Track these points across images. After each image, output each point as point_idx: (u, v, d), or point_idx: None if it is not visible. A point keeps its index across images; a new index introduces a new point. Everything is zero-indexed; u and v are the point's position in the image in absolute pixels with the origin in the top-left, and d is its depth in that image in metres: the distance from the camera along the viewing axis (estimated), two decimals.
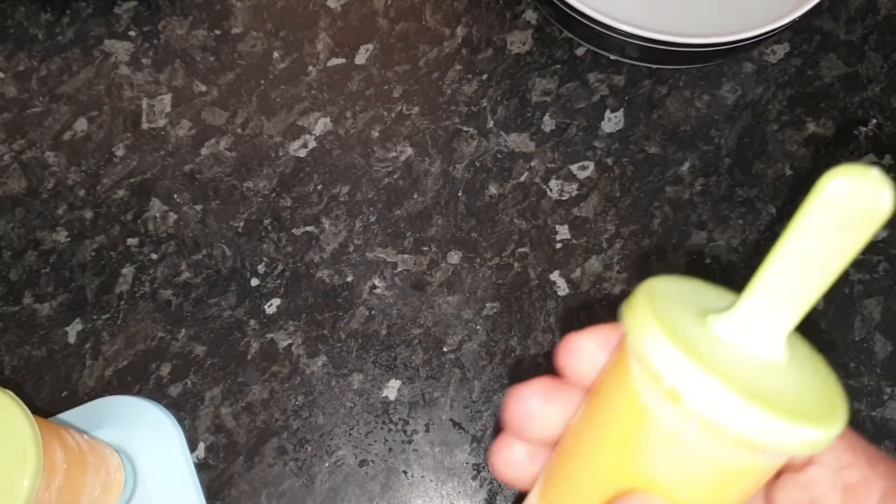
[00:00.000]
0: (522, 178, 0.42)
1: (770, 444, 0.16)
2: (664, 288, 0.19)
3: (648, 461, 0.18)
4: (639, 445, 0.18)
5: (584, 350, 0.22)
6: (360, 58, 0.44)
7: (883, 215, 0.16)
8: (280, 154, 0.43)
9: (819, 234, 0.17)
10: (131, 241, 0.41)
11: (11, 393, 0.28)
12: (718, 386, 0.16)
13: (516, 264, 0.41)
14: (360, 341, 0.40)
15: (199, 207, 0.42)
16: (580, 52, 0.44)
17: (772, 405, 0.16)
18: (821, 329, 0.40)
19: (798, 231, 0.17)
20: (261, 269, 0.41)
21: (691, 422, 0.17)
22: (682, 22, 0.42)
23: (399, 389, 0.39)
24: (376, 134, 0.43)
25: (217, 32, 0.45)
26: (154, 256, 0.41)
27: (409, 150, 0.43)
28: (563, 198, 0.42)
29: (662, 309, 0.18)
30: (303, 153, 0.43)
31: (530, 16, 0.45)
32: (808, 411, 0.17)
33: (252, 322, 0.40)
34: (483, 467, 0.38)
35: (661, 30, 0.39)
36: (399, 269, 0.41)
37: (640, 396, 0.18)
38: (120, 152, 0.43)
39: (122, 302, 0.41)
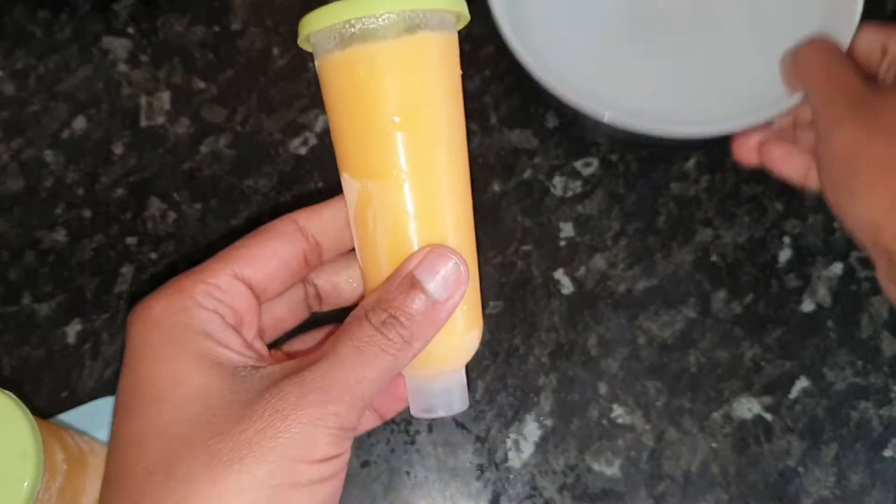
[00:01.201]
0: (526, 175, 0.42)
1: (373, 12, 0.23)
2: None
3: (372, 98, 0.24)
4: (351, 96, 0.25)
5: None
6: None
7: None
8: (280, 151, 0.43)
9: None
10: (130, 240, 0.41)
11: (11, 394, 0.28)
12: (312, 13, 0.24)
13: (520, 262, 0.41)
14: None
15: (198, 206, 0.42)
16: None
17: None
18: (827, 326, 0.40)
19: None
20: None
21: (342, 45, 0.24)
22: (672, 109, 0.38)
23: None
24: None
25: (216, 29, 0.44)
26: (153, 255, 0.41)
27: None
28: (567, 195, 0.42)
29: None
30: (303, 150, 0.43)
31: None
32: None
33: None
34: (486, 468, 0.38)
35: (643, 116, 0.36)
36: None
37: (327, 65, 0.25)
38: (118, 150, 0.43)
39: (122, 301, 0.40)
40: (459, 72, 0.26)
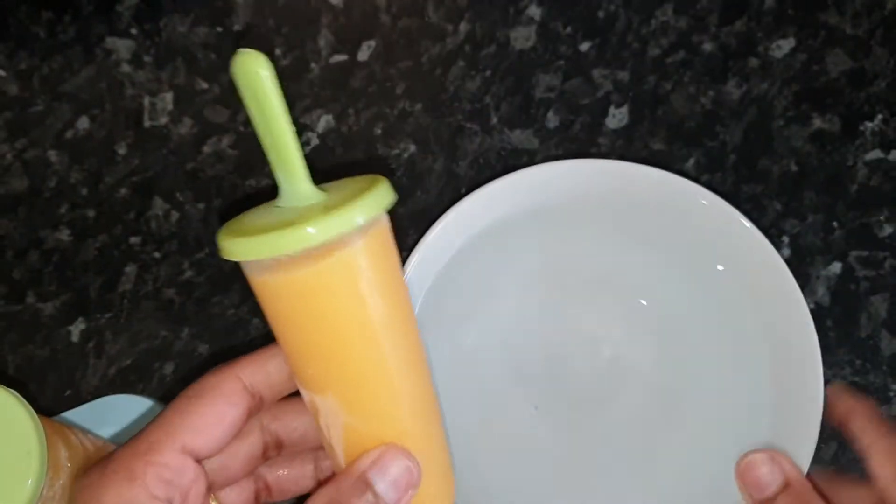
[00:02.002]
0: None
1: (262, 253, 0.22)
2: (247, 217, 0.25)
3: (296, 321, 0.23)
4: (282, 316, 0.23)
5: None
6: (363, 54, 0.44)
7: (268, 80, 0.22)
8: None
9: (251, 105, 0.23)
10: (134, 239, 0.41)
11: (15, 392, 0.28)
12: (231, 240, 0.22)
13: None
14: None
15: (201, 206, 0.42)
16: (584, 47, 0.44)
17: (259, 231, 0.22)
18: (826, 326, 0.40)
19: (249, 113, 0.23)
20: None
21: (268, 269, 0.22)
22: None
23: None
24: (379, 131, 0.43)
25: (219, 29, 0.45)
26: (157, 255, 0.41)
27: (412, 148, 0.43)
28: None
29: (235, 228, 0.23)
30: (305, 151, 0.43)
31: (534, 11, 0.45)
32: (298, 221, 0.21)
33: (255, 321, 0.40)
34: None
35: None
36: None
37: (255, 283, 0.23)
38: (122, 151, 0.43)
39: (125, 301, 0.40)
40: (396, 256, 0.24)
